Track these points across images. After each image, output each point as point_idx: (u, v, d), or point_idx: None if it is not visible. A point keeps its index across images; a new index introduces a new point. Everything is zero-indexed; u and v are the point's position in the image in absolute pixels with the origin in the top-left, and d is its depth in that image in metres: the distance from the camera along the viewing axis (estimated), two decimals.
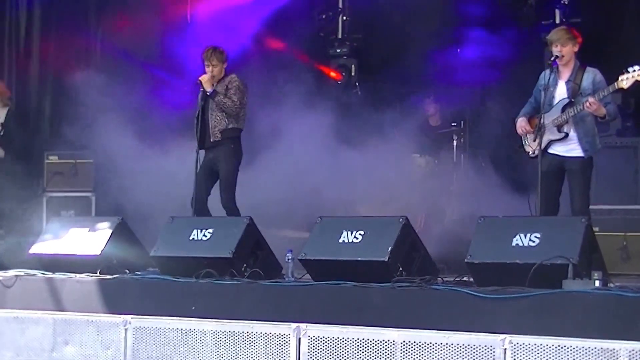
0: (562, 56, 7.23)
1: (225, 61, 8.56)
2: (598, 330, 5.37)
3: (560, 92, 7.30)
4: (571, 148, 7.26)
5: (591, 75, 7.26)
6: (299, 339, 6.10)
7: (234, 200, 8.42)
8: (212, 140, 8.47)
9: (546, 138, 7.26)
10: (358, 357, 5.92)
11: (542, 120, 7.26)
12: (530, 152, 7.42)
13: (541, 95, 7.28)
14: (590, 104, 6.98)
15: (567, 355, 5.37)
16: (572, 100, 7.20)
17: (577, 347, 5.35)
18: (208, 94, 8.44)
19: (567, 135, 7.21)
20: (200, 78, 8.48)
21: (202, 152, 8.55)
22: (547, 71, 7.32)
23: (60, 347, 6.92)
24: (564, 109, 7.23)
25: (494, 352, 5.54)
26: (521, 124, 7.45)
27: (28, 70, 11.73)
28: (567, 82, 7.28)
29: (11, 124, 9.51)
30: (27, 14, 11.75)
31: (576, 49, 7.26)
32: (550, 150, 7.30)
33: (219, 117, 8.47)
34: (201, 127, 8.48)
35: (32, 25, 11.74)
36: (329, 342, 6.02)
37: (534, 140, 7.35)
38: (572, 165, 7.25)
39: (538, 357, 5.44)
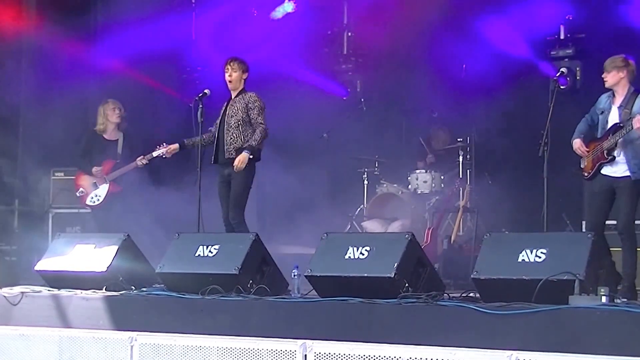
0: (606, 81, 7.48)
1: (244, 71, 8.54)
2: (605, 346, 5.35)
3: (613, 117, 7.50)
4: (619, 169, 7.41)
5: None
6: (305, 355, 6.08)
7: (243, 216, 8.35)
8: (226, 156, 8.41)
9: (597, 161, 7.47)
10: None
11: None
12: (586, 174, 7.59)
13: (598, 117, 7.58)
14: (637, 121, 7.13)
15: None
16: (622, 125, 7.35)
17: None
18: None
19: (614, 158, 7.39)
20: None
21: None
22: (604, 96, 7.57)
23: None
24: (613, 133, 7.40)
25: None
26: (577, 145, 7.64)
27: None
28: (619, 108, 7.47)
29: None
30: None
31: (622, 74, 7.42)
32: (603, 172, 7.48)
33: (235, 134, 8.41)
34: (216, 141, 8.51)
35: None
36: (335, 358, 6.00)
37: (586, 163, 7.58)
38: (620, 184, 7.39)
39: None
